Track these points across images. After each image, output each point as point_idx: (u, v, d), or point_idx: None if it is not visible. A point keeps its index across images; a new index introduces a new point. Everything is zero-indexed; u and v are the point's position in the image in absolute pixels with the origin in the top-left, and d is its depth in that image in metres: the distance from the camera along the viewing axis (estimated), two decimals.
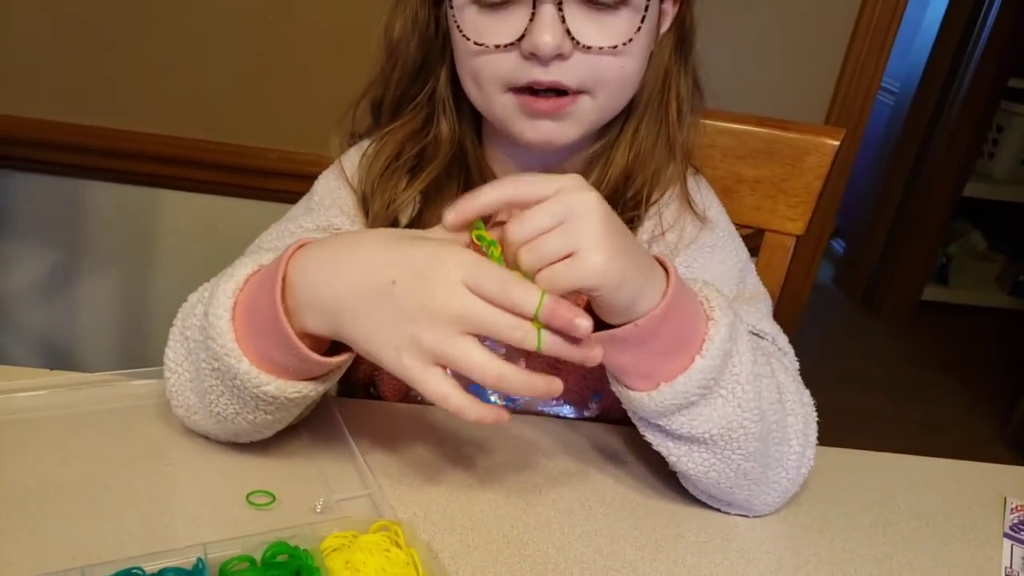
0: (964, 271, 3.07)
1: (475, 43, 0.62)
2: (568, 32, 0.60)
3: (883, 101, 3.02)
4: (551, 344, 0.49)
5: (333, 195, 0.73)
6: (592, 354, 0.51)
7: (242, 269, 0.56)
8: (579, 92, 0.63)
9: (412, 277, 0.49)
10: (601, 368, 0.71)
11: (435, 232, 0.54)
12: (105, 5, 1.31)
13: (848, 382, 2.51)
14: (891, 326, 2.96)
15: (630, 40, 0.61)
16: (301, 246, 0.54)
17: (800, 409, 0.62)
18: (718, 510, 0.63)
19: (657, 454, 0.65)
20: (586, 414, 0.74)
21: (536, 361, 0.68)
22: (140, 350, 1.58)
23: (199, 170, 1.40)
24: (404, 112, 0.71)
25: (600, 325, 0.54)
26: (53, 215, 1.46)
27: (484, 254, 0.52)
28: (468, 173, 0.72)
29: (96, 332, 1.56)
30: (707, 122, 0.85)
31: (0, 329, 1.45)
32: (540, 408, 0.73)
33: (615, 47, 0.61)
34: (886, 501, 0.67)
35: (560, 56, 0.60)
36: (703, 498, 0.63)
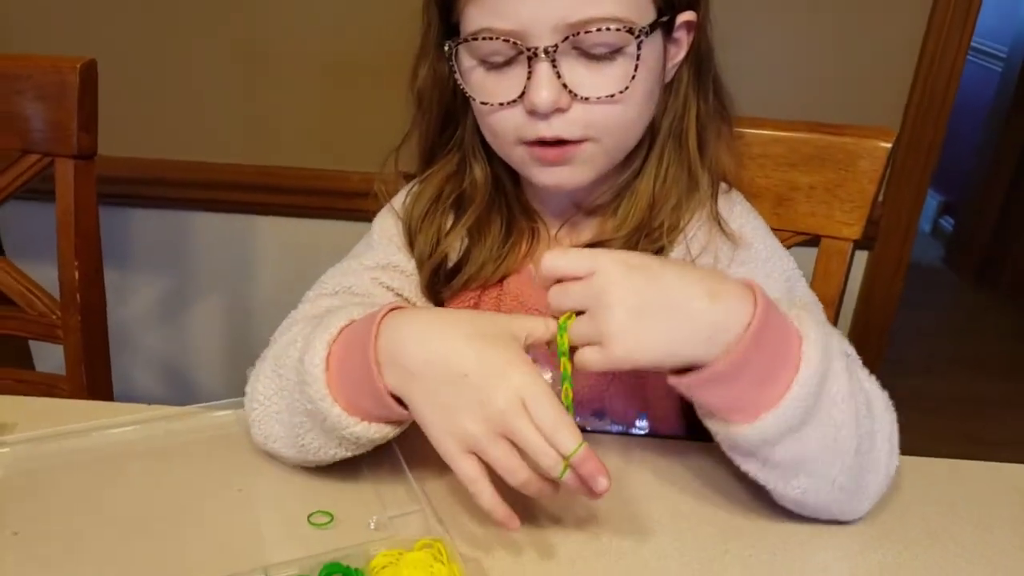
0: None
1: (482, 102, 0.66)
2: (565, 86, 0.62)
3: (990, 68, 2.85)
4: (569, 479, 0.54)
5: (388, 233, 0.79)
6: (601, 496, 0.55)
7: (336, 321, 0.61)
8: (583, 140, 0.65)
9: (482, 377, 0.54)
10: (645, 388, 0.74)
11: (521, 320, 0.58)
12: (198, 52, 1.41)
13: (963, 365, 2.40)
14: (1008, 305, 2.80)
15: (626, 88, 0.63)
16: (392, 309, 0.59)
17: (886, 414, 0.62)
18: (780, 514, 0.64)
19: (704, 469, 0.67)
20: (635, 432, 0.76)
21: (582, 378, 0.70)
22: (244, 363, 1.71)
23: (289, 196, 1.49)
24: (438, 157, 0.76)
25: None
26: (164, 246, 1.58)
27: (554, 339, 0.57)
28: (510, 210, 0.76)
29: (207, 351, 1.69)
30: (758, 132, 0.86)
31: (122, 353, 1.58)
32: (588, 429, 0.75)
33: (612, 96, 0.63)
34: (946, 510, 0.66)
35: (560, 110, 0.63)
36: (795, 511, 0.63)
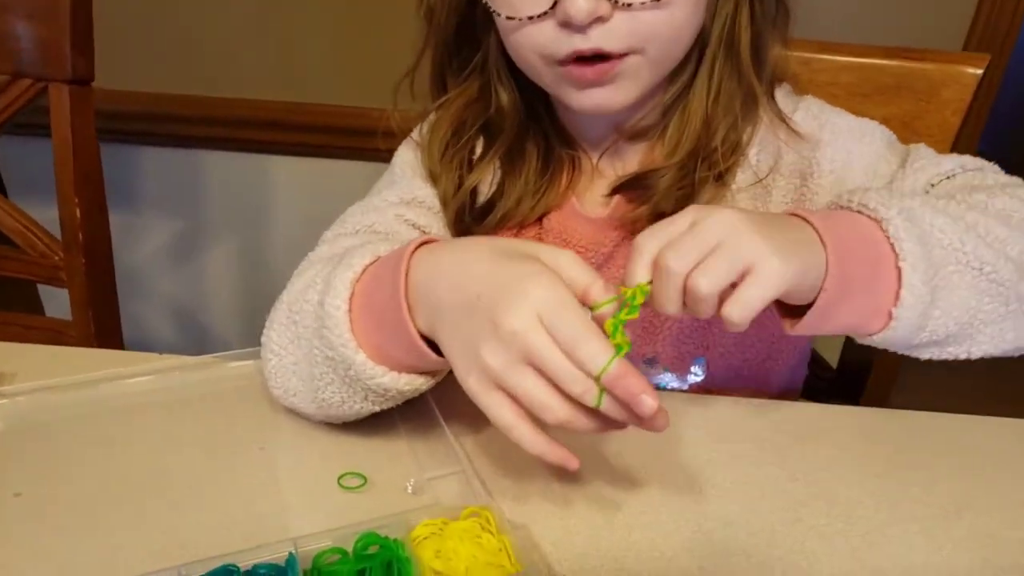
0: None
1: (507, 17, 0.58)
2: None
3: None
4: (610, 407, 0.45)
5: (411, 166, 0.72)
6: (657, 423, 0.46)
7: (359, 259, 0.54)
8: (626, 53, 0.58)
9: (494, 295, 0.46)
10: (700, 332, 0.69)
11: (562, 258, 0.49)
12: None
13: None
14: None
15: None
16: (423, 243, 0.52)
17: None
18: (853, 481, 0.59)
19: (766, 431, 0.63)
20: (690, 379, 0.70)
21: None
22: (261, 310, 1.67)
23: (305, 134, 1.43)
24: (455, 82, 0.69)
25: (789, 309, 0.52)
26: (175, 185, 1.54)
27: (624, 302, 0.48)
28: (547, 138, 0.69)
29: (221, 296, 1.66)
30: (827, 57, 0.78)
31: (134, 295, 1.54)
32: None
33: (658, 0, 0.55)
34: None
35: (599, 19, 0.55)
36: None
